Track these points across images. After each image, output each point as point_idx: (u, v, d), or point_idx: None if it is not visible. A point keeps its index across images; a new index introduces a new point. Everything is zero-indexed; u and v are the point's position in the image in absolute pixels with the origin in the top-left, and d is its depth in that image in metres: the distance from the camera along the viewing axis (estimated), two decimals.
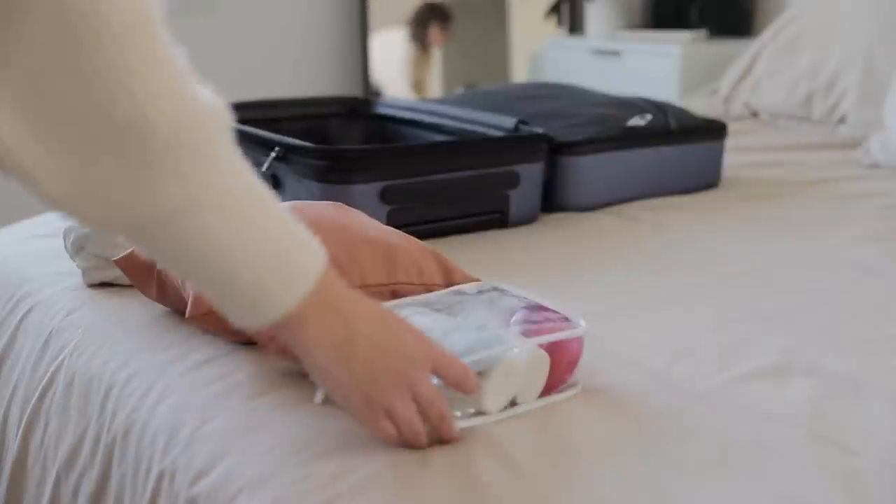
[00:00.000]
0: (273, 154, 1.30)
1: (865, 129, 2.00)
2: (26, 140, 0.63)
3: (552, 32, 3.78)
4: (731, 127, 1.81)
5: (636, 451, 0.77)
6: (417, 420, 0.74)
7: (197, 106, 0.66)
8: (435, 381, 0.78)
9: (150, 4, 0.64)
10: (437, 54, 4.71)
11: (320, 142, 1.41)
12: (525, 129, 1.48)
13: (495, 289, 0.96)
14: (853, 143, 1.97)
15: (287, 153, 1.30)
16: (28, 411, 1.08)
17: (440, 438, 0.76)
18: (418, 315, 0.87)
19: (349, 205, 1.10)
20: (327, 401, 0.83)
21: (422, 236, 1.20)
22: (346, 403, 0.75)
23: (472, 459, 0.75)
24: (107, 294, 1.16)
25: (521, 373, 0.82)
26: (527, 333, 0.85)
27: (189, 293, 0.95)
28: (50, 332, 1.12)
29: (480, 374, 0.80)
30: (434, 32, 4.66)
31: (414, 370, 0.74)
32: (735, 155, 1.80)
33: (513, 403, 0.82)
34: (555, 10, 3.72)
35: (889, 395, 0.86)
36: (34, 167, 0.63)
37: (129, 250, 1.08)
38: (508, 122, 1.49)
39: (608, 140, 1.53)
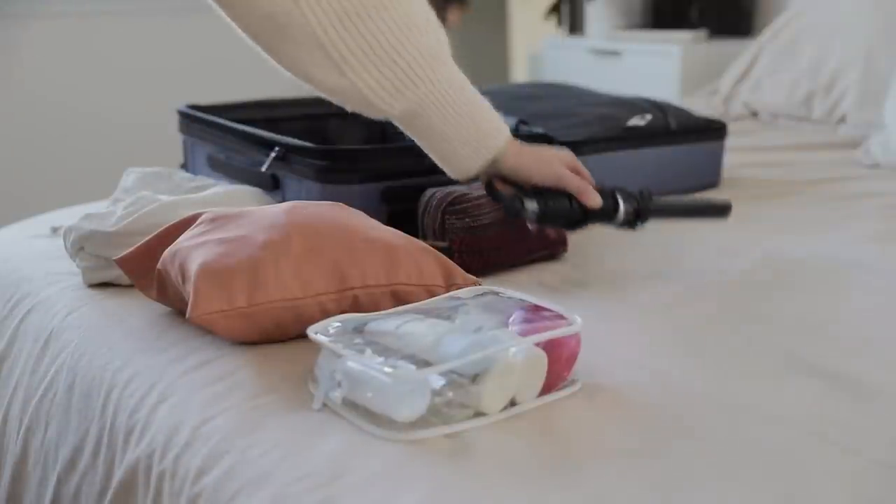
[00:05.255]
0: (273, 154, 1.30)
1: (865, 129, 2.00)
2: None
3: (552, 32, 3.77)
4: (731, 127, 1.81)
5: (636, 451, 0.77)
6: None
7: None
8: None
9: None
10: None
11: (320, 142, 1.41)
12: (525, 129, 1.48)
13: (491, 292, 0.96)
14: (853, 143, 1.97)
15: (287, 153, 1.30)
16: (28, 412, 1.08)
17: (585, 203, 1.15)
18: (414, 321, 0.87)
19: (349, 205, 1.10)
20: (325, 407, 0.83)
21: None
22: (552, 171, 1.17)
23: (472, 459, 0.75)
24: (107, 294, 1.16)
25: (519, 372, 0.82)
26: (524, 333, 0.85)
27: (189, 293, 0.95)
28: (50, 333, 1.12)
29: (478, 375, 0.80)
30: (454, 11, 4.58)
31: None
32: (735, 155, 1.80)
33: (512, 403, 0.82)
34: (555, 10, 3.71)
35: (889, 395, 0.86)
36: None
37: (129, 250, 1.08)
38: (508, 122, 1.48)
39: (608, 140, 1.53)
